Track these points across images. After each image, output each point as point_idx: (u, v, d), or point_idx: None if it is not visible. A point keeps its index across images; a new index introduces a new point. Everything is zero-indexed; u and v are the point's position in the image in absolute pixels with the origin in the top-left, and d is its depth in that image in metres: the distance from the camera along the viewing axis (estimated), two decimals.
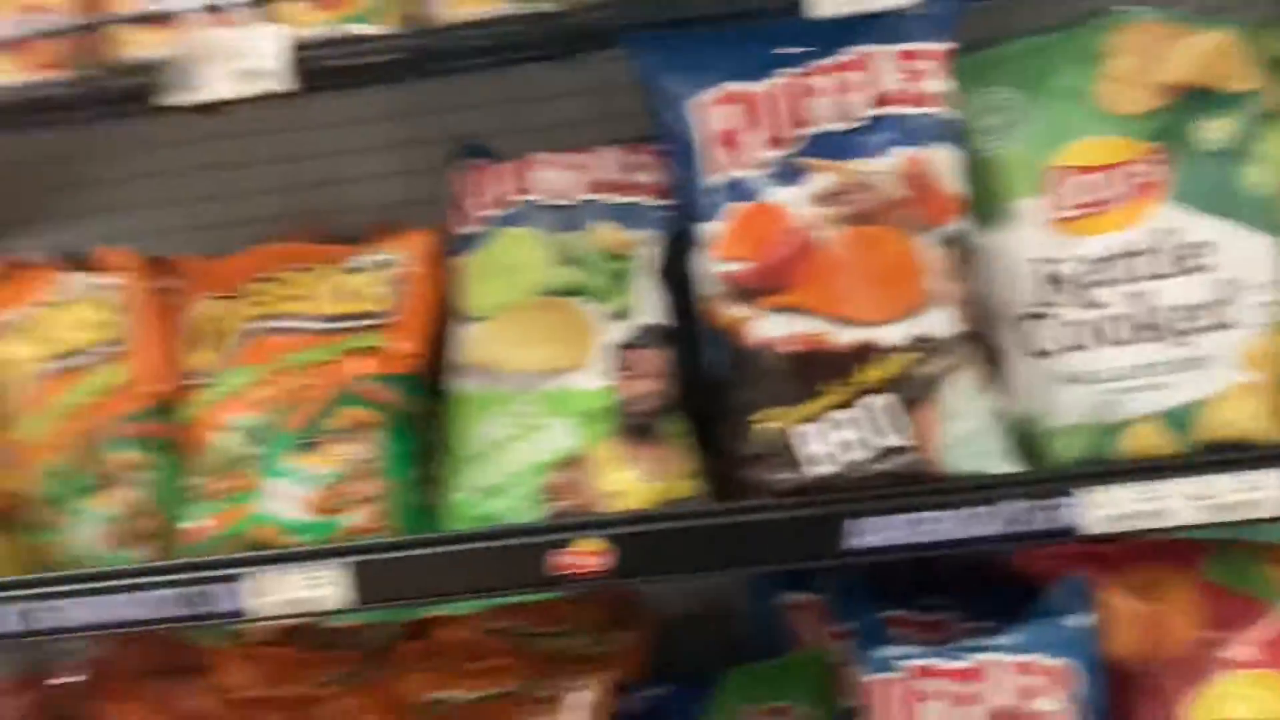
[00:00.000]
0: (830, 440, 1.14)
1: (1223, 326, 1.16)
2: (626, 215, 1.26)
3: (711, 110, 1.20)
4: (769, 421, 1.15)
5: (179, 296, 1.31)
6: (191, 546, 1.22)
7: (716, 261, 1.20)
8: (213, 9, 1.20)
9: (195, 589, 1.15)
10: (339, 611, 1.15)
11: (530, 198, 1.27)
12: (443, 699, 1.44)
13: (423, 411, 1.26)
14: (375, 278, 1.25)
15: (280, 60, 1.15)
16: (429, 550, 1.15)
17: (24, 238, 1.63)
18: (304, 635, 1.51)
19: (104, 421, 1.26)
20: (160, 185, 1.66)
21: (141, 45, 1.20)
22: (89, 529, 1.28)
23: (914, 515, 1.12)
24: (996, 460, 1.16)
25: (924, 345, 1.15)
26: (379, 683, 1.46)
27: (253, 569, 1.15)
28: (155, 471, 1.27)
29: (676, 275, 1.25)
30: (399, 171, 1.62)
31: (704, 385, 1.23)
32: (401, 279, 1.26)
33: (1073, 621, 1.26)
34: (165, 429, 1.27)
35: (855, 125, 1.19)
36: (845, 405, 1.14)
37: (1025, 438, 1.20)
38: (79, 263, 1.35)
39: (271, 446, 1.20)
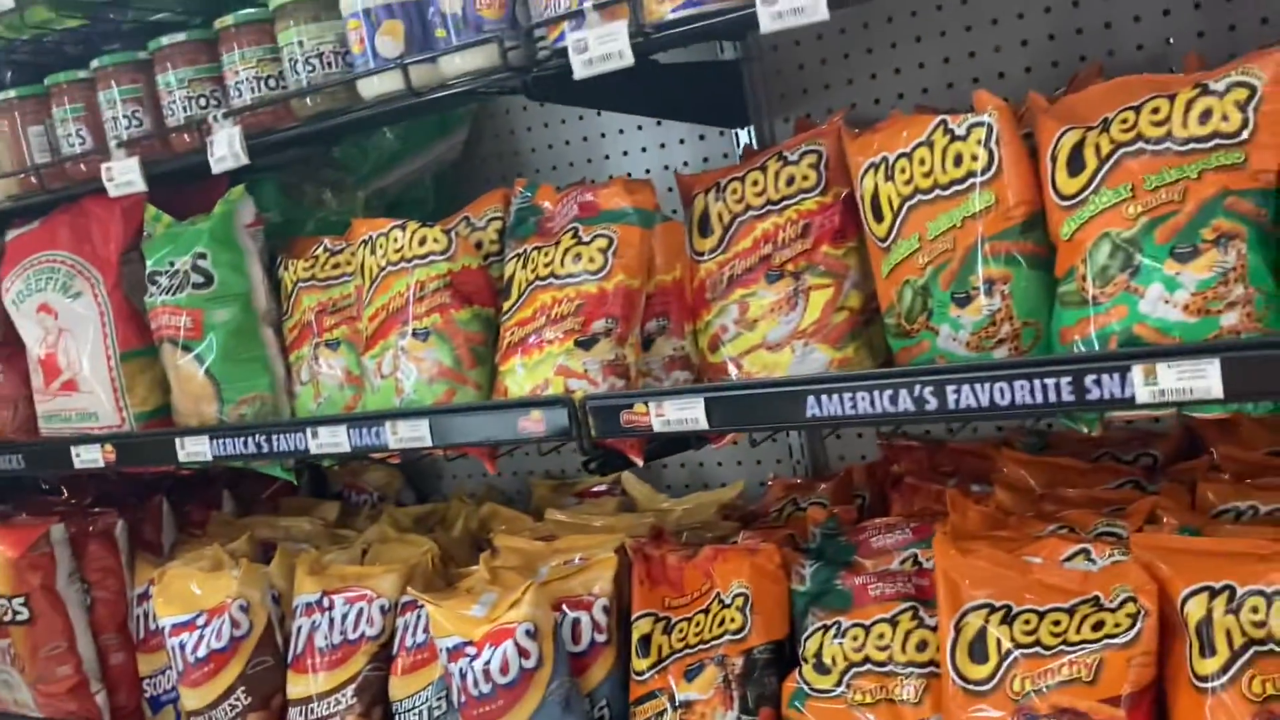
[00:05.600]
0: None
1: None
2: None
3: None
4: None
5: (1035, 130, 1.42)
6: (1069, 345, 1.34)
7: None
8: None
9: (1089, 378, 1.24)
10: (1210, 402, 1.22)
11: None
12: (1239, 508, 1.55)
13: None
14: (1228, 100, 1.29)
15: None
16: None
17: (823, 99, 1.94)
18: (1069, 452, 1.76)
19: (973, 241, 1.41)
20: (925, 47, 1.87)
21: None
22: (951, 335, 1.44)
23: None
24: None
25: None
26: (1170, 491, 1.60)
27: (1138, 361, 1.22)
28: (1016, 282, 1.40)
29: None
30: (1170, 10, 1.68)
31: None
32: (1260, 99, 1.28)
33: None
34: (1028, 246, 1.40)
35: None
36: None
37: None
38: (941, 110, 1.48)
39: (1145, 257, 1.30)
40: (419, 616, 1.92)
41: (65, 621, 2.26)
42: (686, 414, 1.51)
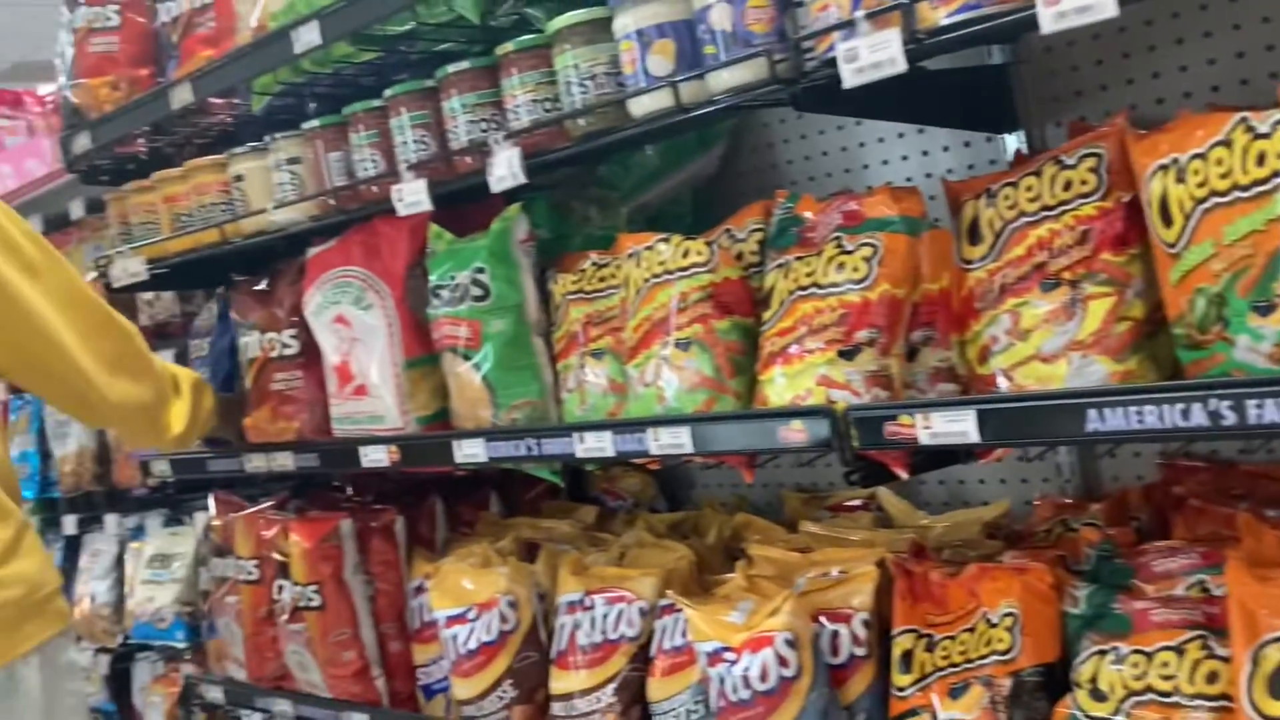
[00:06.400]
0: None
1: None
2: None
3: None
4: None
5: None
6: None
7: None
8: None
9: None
10: None
11: None
12: None
13: None
14: None
15: None
16: None
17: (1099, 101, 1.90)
18: None
19: (1277, 246, 1.32)
20: (1217, 42, 1.79)
21: None
22: (1251, 346, 1.35)
23: None
24: None
25: None
26: None
27: None
28: None
29: None
30: None
31: None
32: None
33: None
34: None
35: None
36: None
37: None
38: (1238, 108, 1.41)
39: None
40: (677, 620, 1.96)
41: (351, 610, 2.44)
42: (955, 426, 1.48)
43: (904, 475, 1.63)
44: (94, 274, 3.24)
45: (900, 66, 1.42)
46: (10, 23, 8.53)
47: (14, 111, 3.64)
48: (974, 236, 1.65)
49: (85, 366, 2.00)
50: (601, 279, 2.02)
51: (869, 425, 1.56)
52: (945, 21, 1.40)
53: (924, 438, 1.51)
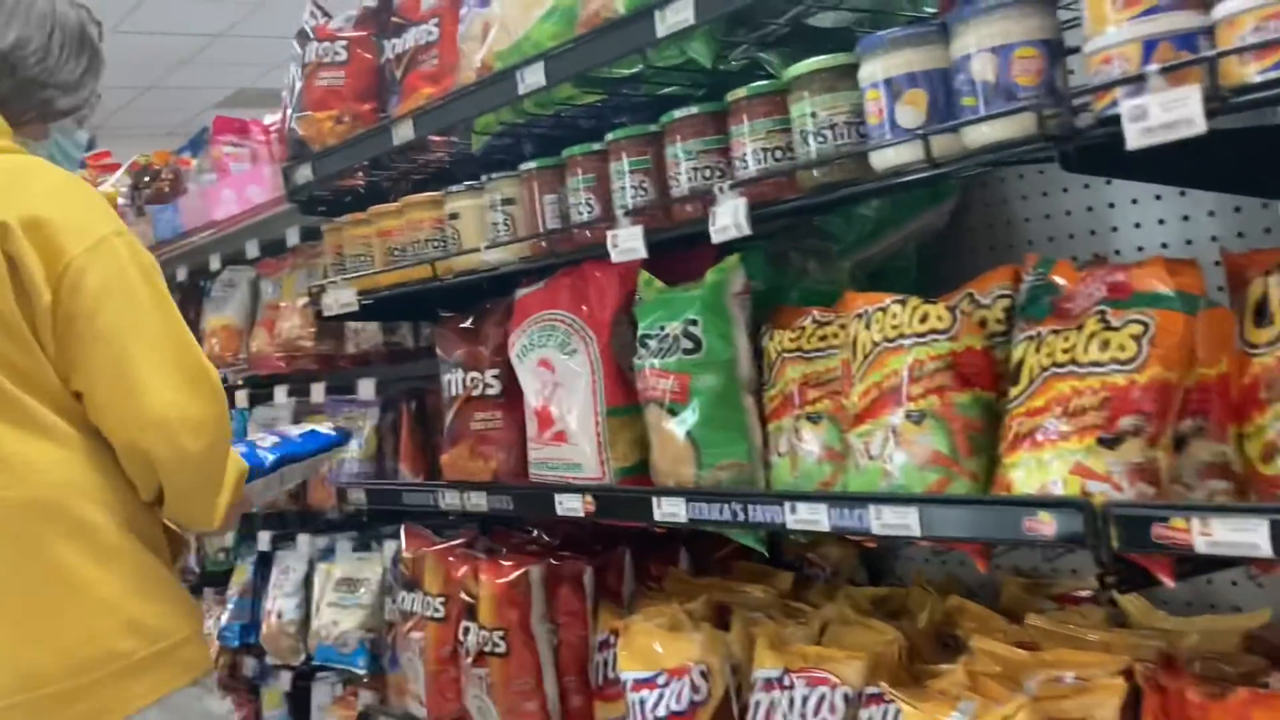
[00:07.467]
0: None
1: None
2: None
3: None
4: None
5: None
6: None
7: None
8: None
9: None
10: None
11: None
12: None
13: None
14: None
15: None
16: None
17: None
18: None
19: None
20: None
21: None
22: None
23: None
24: None
25: None
26: None
27: None
28: None
29: None
30: None
31: None
32: None
33: None
34: None
35: None
36: None
37: None
38: None
39: None
40: (885, 712, 1.81)
41: (535, 659, 2.38)
42: (1242, 537, 1.30)
43: (1170, 583, 1.44)
44: (305, 300, 3.33)
45: (1199, 127, 1.26)
46: (233, 52, 9.09)
47: (240, 139, 3.78)
48: (1261, 317, 1.46)
49: (154, 408, 1.77)
50: (822, 338, 1.90)
51: (1134, 525, 1.38)
52: (1258, 79, 1.23)
53: (1200, 545, 1.33)
